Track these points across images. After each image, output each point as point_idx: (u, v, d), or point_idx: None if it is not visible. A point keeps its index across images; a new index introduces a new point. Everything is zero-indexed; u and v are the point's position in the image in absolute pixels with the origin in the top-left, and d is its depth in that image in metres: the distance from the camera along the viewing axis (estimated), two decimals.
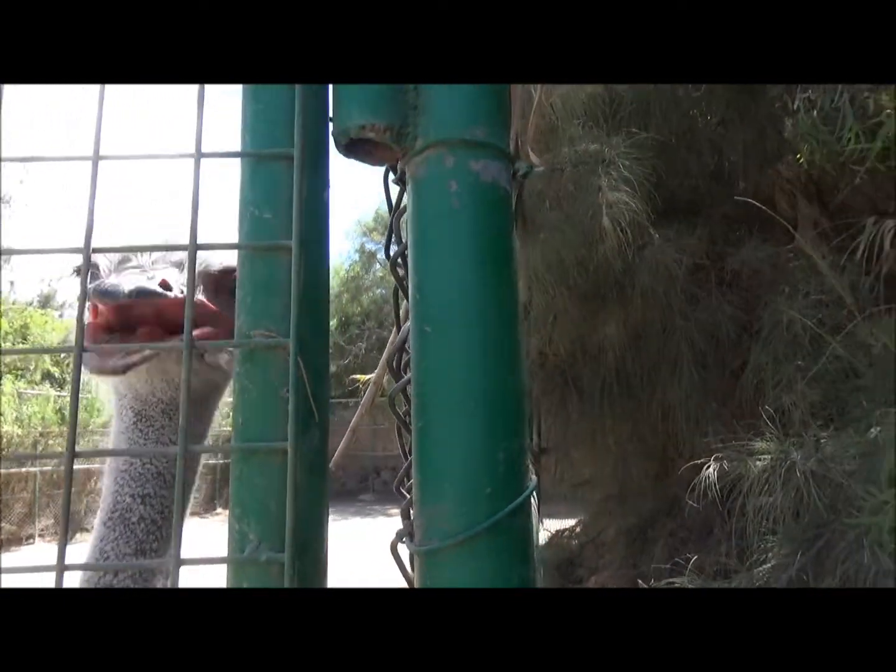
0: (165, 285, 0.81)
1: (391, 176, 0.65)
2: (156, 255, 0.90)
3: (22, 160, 0.50)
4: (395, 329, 0.63)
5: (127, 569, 0.86)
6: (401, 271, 0.64)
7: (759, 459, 2.06)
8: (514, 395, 0.50)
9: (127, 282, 0.78)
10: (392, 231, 0.64)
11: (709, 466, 2.19)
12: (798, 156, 3.07)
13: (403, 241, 0.60)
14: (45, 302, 17.06)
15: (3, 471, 9.70)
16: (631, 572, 3.26)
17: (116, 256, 0.89)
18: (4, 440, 9.81)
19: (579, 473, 4.34)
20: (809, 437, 2.10)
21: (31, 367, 12.11)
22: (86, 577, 0.85)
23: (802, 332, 2.66)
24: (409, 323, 0.58)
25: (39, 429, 10.15)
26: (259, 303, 0.50)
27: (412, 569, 0.54)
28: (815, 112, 2.77)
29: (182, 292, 0.83)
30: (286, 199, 0.51)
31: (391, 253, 0.64)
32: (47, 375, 12.23)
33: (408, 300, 0.62)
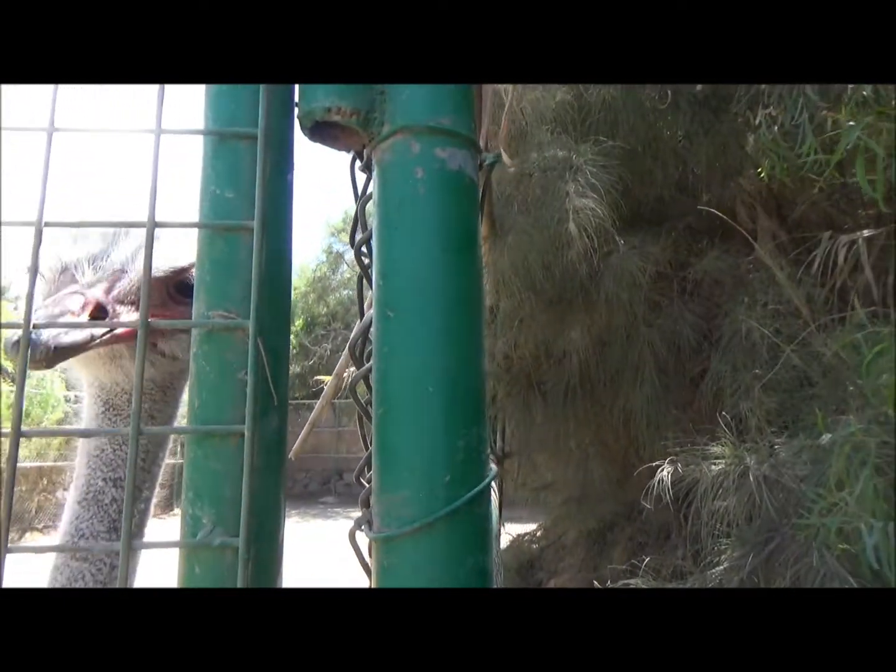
0: (96, 313, 0.81)
1: (357, 164, 0.65)
2: (95, 273, 0.88)
3: None
4: (358, 318, 0.62)
5: (85, 551, 0.86)
6: (365, 260, 0.63)
7: (714, 464, 2.10)
8: (474, 383, 0.49)
9: (49, 333, 0.75)
10: (357, 219, 0.64)
11: (664, 469, 2.22)
12: (759, 170, 3.15)
13: (369, 229, 0.59)
14: None
15: None
16: (590, 575, 3.29)
17: (60, 266, 0.87)
18: None
19: (541, 477, 4.36)
20: (764, 443, 2.15)
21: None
22: (59, 561, 0.86)
23: (760, 340, 2.72)
24: (372, 310, 0.58)
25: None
26: (218, 283, 0.49)
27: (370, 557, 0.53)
28: (776, 128, 2.85)
29: (118, 304, 0.85)
30: (249, 179, 0.50)
31: (356, 240, 0.63)
32: None
33: (370, 287, 0.61)
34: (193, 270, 0.87)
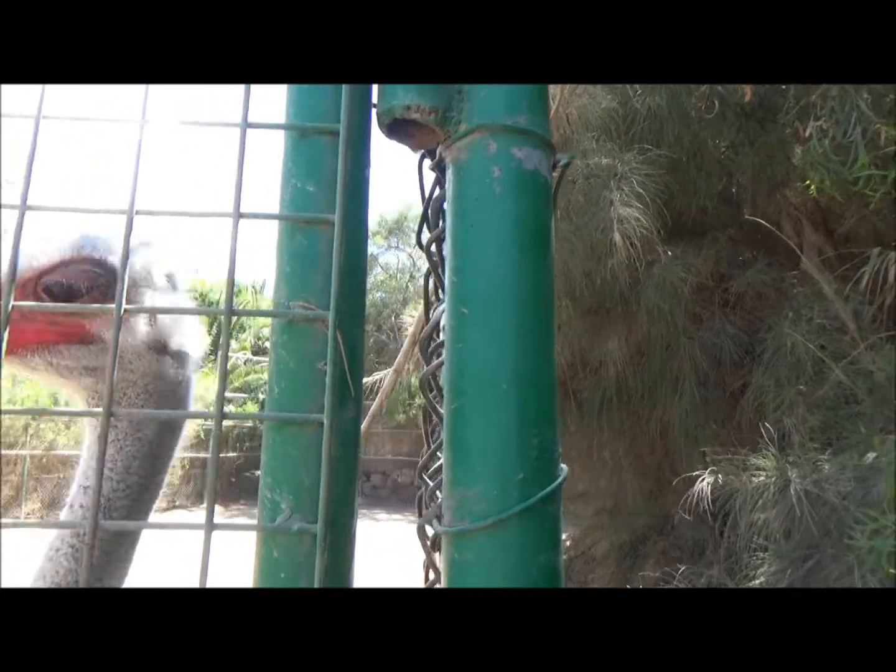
0: None
1: (426, 164, 0.66)
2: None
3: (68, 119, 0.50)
4: (424, 315, 0.63)
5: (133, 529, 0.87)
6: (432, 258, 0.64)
7: (755, 475, 2.06)
8: (547, 382, 0.50)
9: None
10: (425, 217, 0.64)
11: (703, 479, 2.18)
12: (808, 182, 3.09)
13: (439, 227, 0.60)
14: None
15: None
16: (621, 588, 3.25)
17: None
18: None
19: (573, 487, 4.33)
20: (807, 458, 2.11)
21: None
22: (56, 541, 0.86)
23: (805, 356, 2.67)
24: (442, 307, 0.58)
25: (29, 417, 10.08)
26: (297, 275, 0.50)
27: (435, 551, 0.53)
28: (826, 140, 2.79)
29: None
30: (328, 174, 0.51)
31: (422, 238, 0.64)
32: None
33: (440, 284, 0.62)
34: (58, 270, 0.84)
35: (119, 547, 0.89)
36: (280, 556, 0.45)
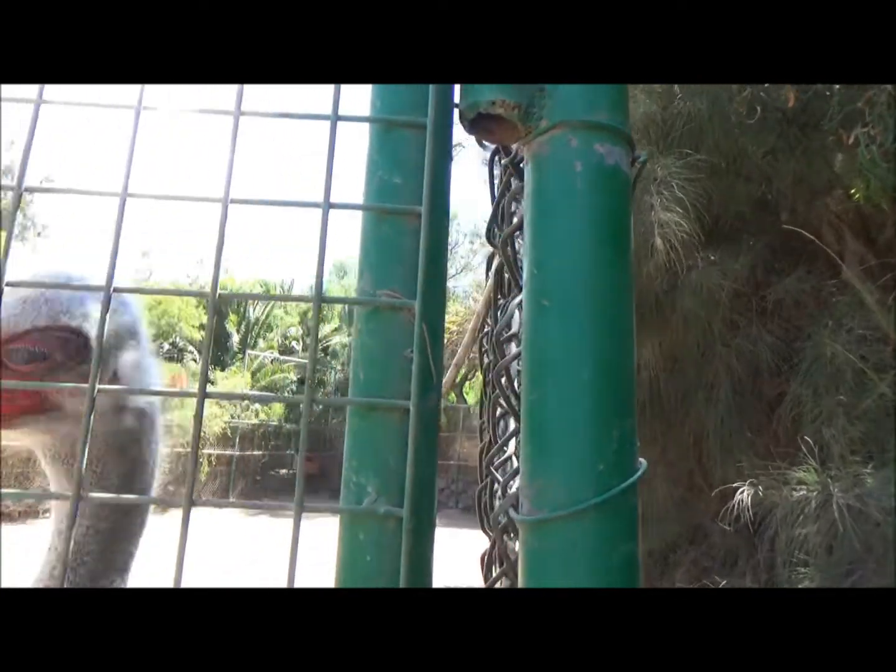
0: None
1: (499, 160, 0.67)
2: None
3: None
4: (493, 307, 0.63)
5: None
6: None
7: (795, 489, 2.02)
8: (627, 374, 0.50)
9: None
10: (497, 212, 0.65)
11: (743, 491, 2.15)
12: (853, 191, 3.03)
13: (515, 221, 0.61)
14: None
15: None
16: None
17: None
18: None
19: None
20: (848, 471, 2.07)
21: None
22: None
23: (845, 366, 2.62)
24: (516, 300, 0.59)
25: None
26: (383, 264, 0.51)
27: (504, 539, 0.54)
28: (874, 147, 2.74)
29: None
30: (413, 166, 0.52)
31: (494, 233, 0.65)
32: None
33: (514, 279, 0.63)
34: (28, 337, 0.82)
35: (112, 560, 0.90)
36: (365, 538, 0.46)
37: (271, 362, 15.80)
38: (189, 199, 0.50)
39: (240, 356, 15.70)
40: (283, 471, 14.79)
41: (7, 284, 0.46)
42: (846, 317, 2.94)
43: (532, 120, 0.55)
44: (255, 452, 14.18)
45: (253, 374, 14.47)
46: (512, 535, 0.57)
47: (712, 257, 3.10)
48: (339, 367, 15.80)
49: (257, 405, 14.28)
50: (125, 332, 0.93)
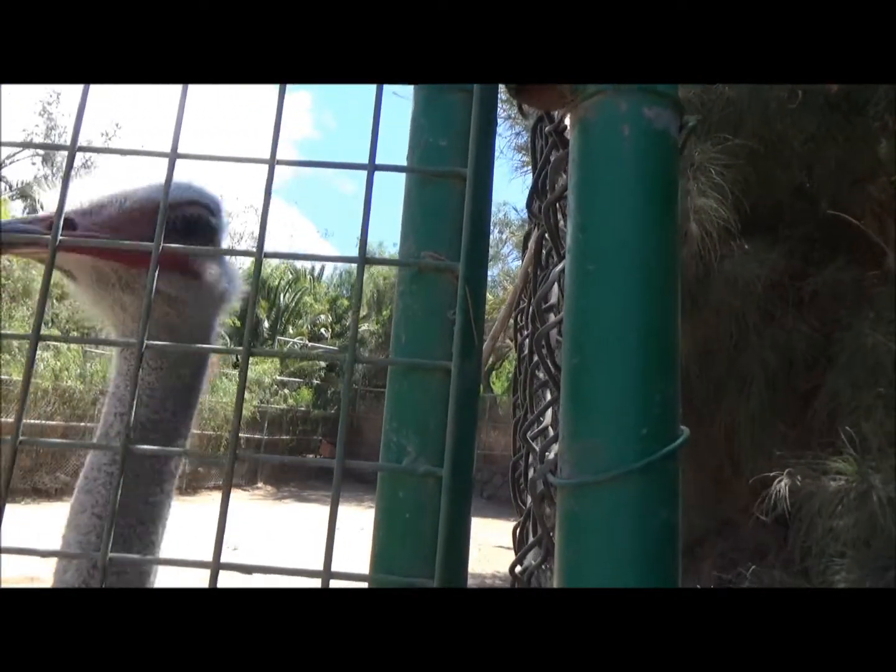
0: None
1: (542, 127, 0.66)
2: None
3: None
4: (532, 280, 0.63)
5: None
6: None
7: (834, 479, 1.98)
8: (672, 339, 0.49)
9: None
10: (538, 182, 0.65)
11: (780, 479, 2.11)
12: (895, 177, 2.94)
13: (559, 187, 0.60)
14: None
15: (63, 424, 10.16)
16: None
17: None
18: (66, 395, 10.26)
19: None
20: (888, 463, 2.02)
21: (98, 329, 12.62)
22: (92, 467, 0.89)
23: (885, 358, 2.55)
24: (557, 268, 0.59)
25: (100, 387, 10.56)
26: (428, 226, 0.51)
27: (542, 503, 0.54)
28: None
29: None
30: (459, 130, 0.52)
31: (535, 203, 0.65)
32: None
33: (556, 247, 0.62)
34: (190, 207, 0.91)
35: (157, 484, 0.92)
36: (405, 496, 0.47)
37: (301, 349, 15.97)
38: (236, 159, 0.51)
39: (269, 342, 15.90)
40: (311, 455, 14.97)
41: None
42: (887, 308, 2.86)
43: (579, 84, 0.54)
44: (283, 437, 14.37)
45: (282, 360, 14.64)
46: (548, 503, 0.57)
47: (747, 246, 3.04)
48: (366, 355, 15.90)
49: (286, 391, 14.45)
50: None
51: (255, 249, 0.48)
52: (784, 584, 2.22)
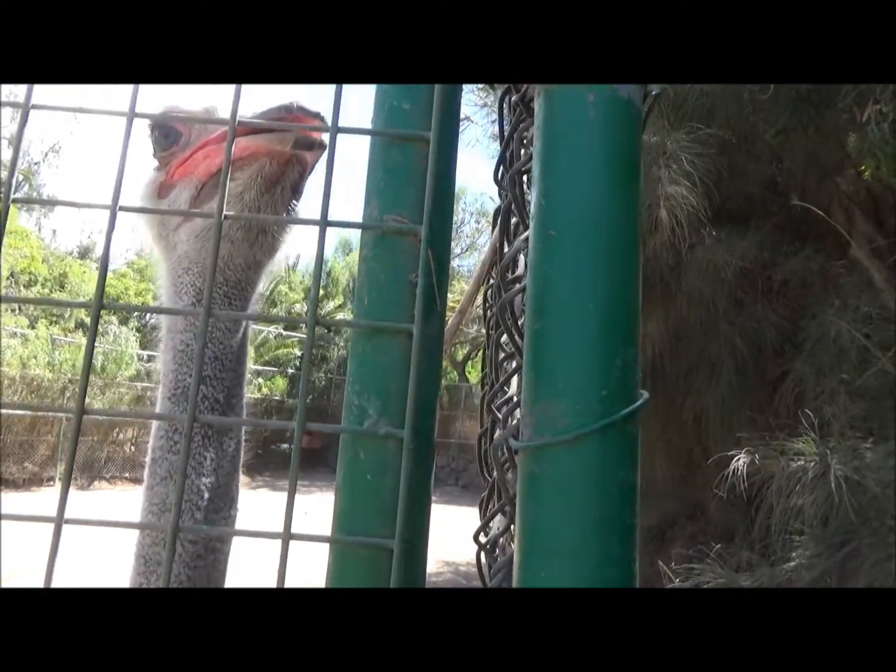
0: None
1: (509, 98, 0.66)
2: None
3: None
4: (501, 243, 0.63)
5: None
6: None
7: (793, 459, 2.03)
8: (631, 304, 0.50)
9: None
10: (505, 152, 0.65)
11: (739, 458, 2.16)
12: (863, 169, 3.00)
13: (524, 158, 0.60)
14: (84, 253, 17.44)
15: (29, 414, 9.97)
16: (647, 570, 3.25)
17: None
18: (35, 383, 10.08)
19: None
20: (847, 444, 2.07)
21: (66, 315, 12.40)
22: (157, 454, 0.87)
23: (850, 345, 2.61)
24: (522, 235, 0.59)
25: (69, 375, 10.37)
26: (391, 190, 0.51)
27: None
28: (885, 125, 2.70)
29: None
30: (423, 94, 0.52)
31: (501, 174, 0.65)
32: (81, 324, 12.52)
33: (521, 216, 0.62)
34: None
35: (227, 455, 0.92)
36: (366, 457, 0.47)
37: (275, 338, 15.84)
38: (198, 120, 0.50)
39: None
40: (285, 445, 14.88)
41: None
42: (852, 297, 2.93)
43: None
44: None
45: (257, 349, 14.50)
46: (510, 471, 0.58)
47: (720, 234, 3.08)
48: (342, 344, 15.82)
49: (261, 380, 14.32)
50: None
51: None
52: (751, 563, 2.28)
